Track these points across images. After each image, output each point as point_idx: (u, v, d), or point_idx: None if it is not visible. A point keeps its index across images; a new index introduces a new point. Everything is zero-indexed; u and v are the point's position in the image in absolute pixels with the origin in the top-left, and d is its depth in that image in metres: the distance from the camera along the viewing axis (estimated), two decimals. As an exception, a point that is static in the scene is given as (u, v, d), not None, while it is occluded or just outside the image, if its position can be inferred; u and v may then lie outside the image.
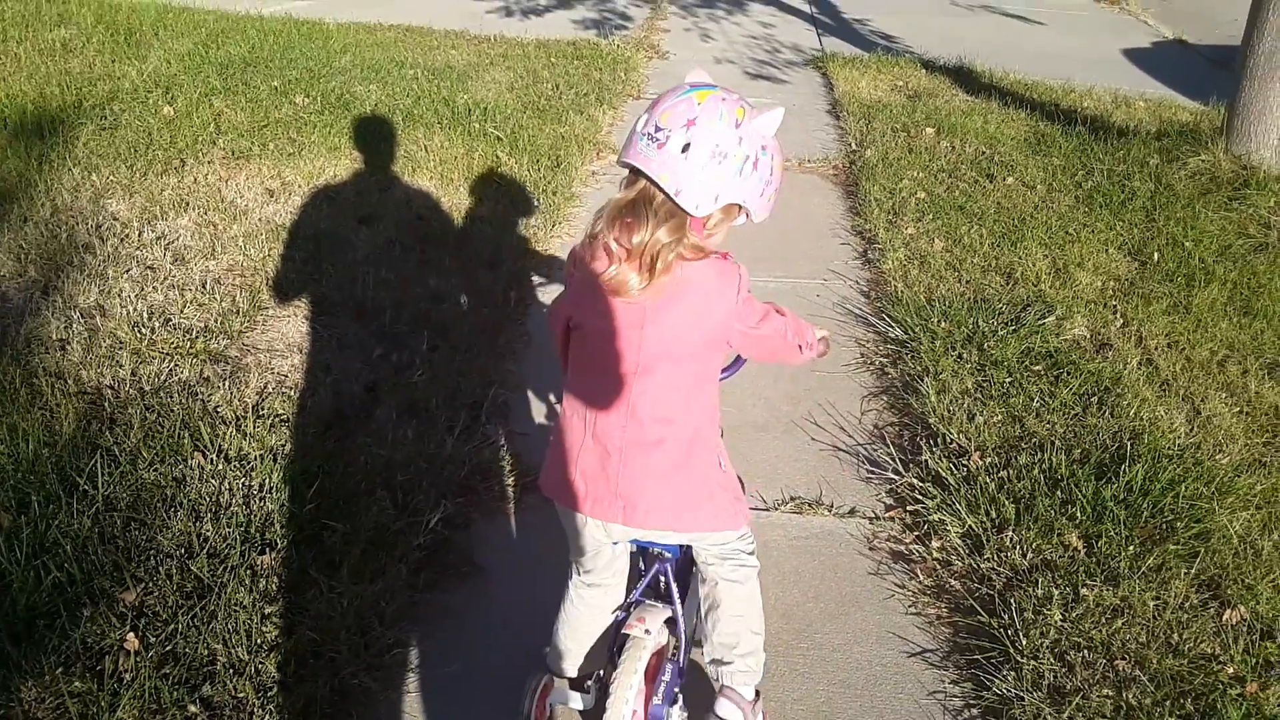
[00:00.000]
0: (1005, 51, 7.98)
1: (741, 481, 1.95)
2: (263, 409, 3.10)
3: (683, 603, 2.00)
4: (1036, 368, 3.50)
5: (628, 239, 1.62)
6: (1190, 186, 4.94)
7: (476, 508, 2.84)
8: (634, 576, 2.06)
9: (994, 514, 2.75)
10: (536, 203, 4.84)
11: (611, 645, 1.95)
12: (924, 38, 8.52)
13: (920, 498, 2.88)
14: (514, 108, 6.19)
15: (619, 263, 1.64)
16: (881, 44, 8.45)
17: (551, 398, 3.43)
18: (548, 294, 4.10)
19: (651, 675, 1.94)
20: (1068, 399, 3.29)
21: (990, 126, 5.97)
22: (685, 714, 2.04)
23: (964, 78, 7.22)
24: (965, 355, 3.56)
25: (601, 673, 1.97)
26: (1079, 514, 2.73)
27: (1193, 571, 2.55)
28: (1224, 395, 3.41)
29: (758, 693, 2.06)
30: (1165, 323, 3.87)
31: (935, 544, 2.72)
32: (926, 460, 3.02)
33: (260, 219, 4.39)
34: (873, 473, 3.08)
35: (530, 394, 3.44)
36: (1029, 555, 2.61)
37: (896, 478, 3.00)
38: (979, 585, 2.58)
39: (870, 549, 2.78)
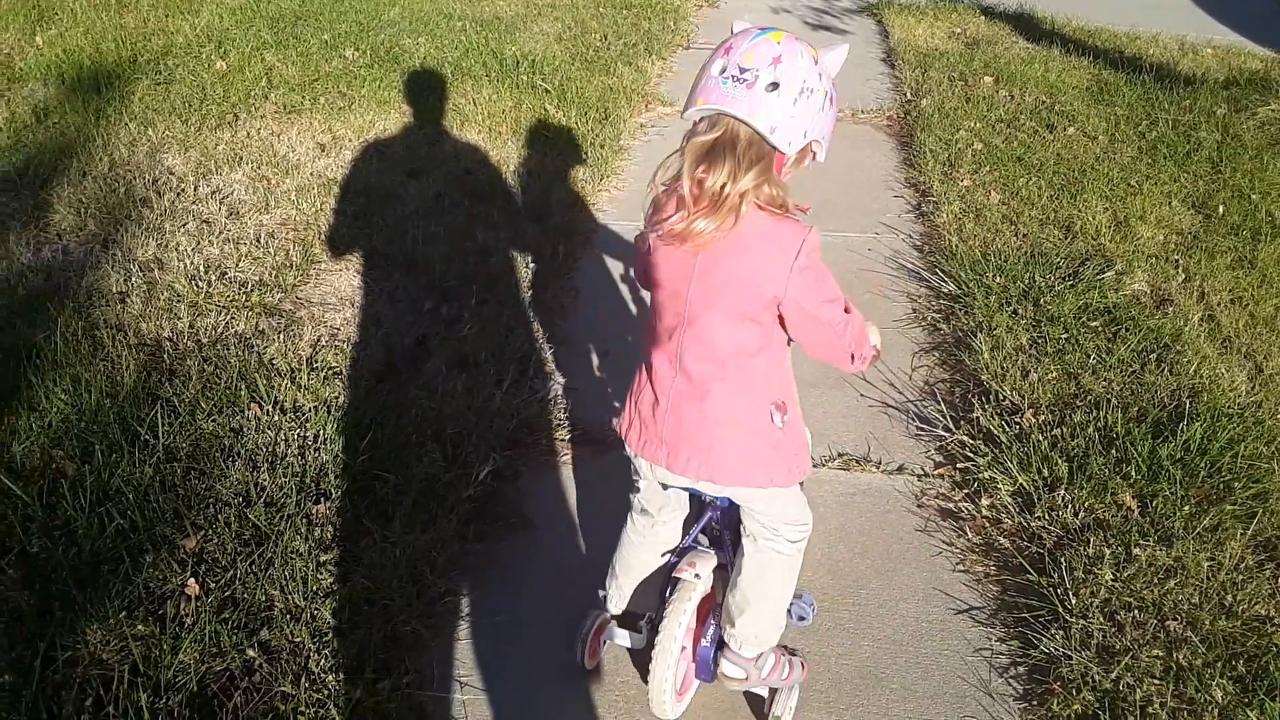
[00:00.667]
0: (1068, -3, 7.71)
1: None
2: (316, 361, 3.15)
3: (734, 550, 2.04)
4: (1094, 324, 3.42)
5: (705, 182, 1.61)
6: (1259, 137, 4.76)
7: (524, 461, 2.87)
8: (692, 523, 2.10)
9: (1046, 472, 2.72)
10: (585, 156, 4.81)
11: (663, 588, 2.00)
12: (983, -17, 8.24)
13: (971, 455, 2.85)
14: (562, 59, 6.13)
15: (688, 208, 1.63)
16: (939, -11, 8.19)
17: (597, 353, 3.44)
18: (596, 248, 4.09)
19: (702, 618, 2.01)
20: (1125, 356, 3.22)
21: (1051, 75, 5.78)
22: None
23: (1024, 24, 6.99)
24: (1020, 311, 3.49)
25: (653, 614, 2.01)
26: (1134, 473, 2.68)
27: (1249, 532, 2.49)
28: (1289, 353, 3.31)
29: (789, 651, 2.12)
30: (1229, 278, 3.75)
31: (985, 502, 2.70)
32: (978, 417, 2.98)
33: (312, 173, 4.43)
34: (922, 430, 3.05)
35: (577, 349, 3.45)
36: (1081, 514, 2.58)
37: (947, 435, 2.97)
38: (1029, 544, 2.55)
39: (918, 506, 2.76)
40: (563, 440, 2.97)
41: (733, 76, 1.58)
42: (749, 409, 1.79)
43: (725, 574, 2.04)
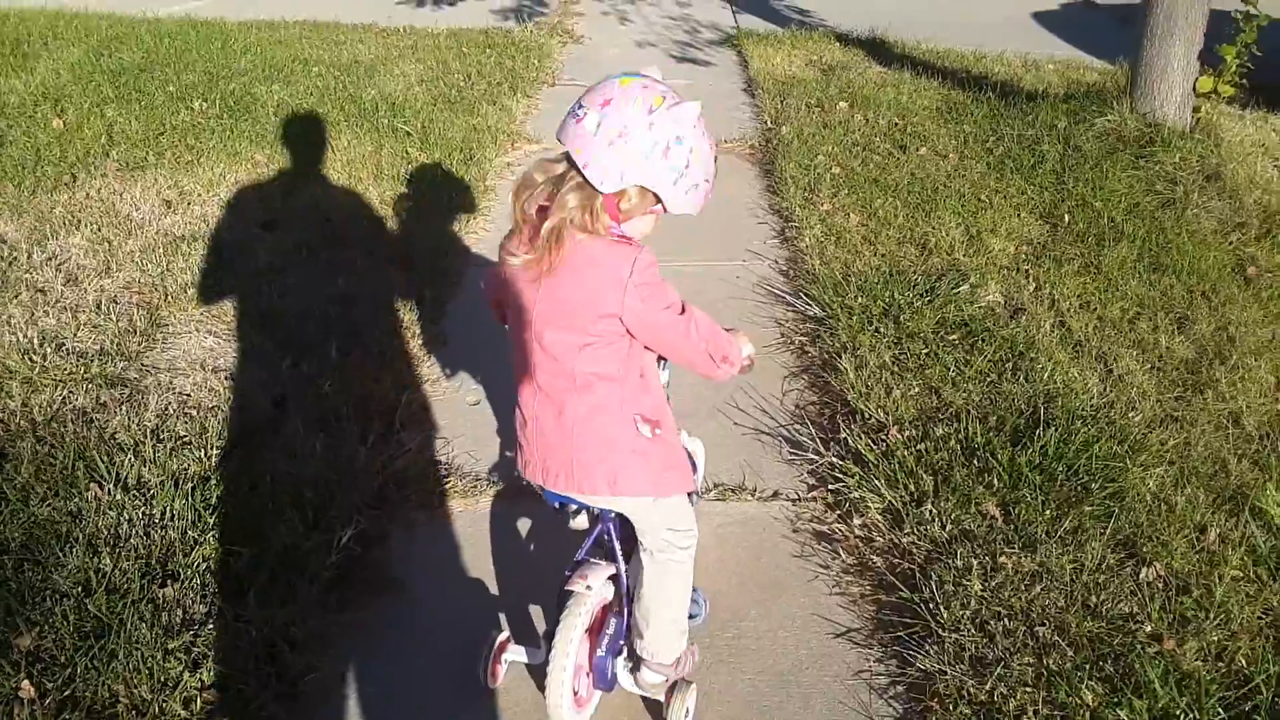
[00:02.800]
0: (918, 20, 8.02)
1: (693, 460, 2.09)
2: (163, 432, 2.97)
3: (627, 560, 2.10)
4: (952, 337, 3.51)
5: (539, 208, 1.75)
6: (1098, 147, 5.01)
7: (393, 519, 2.76)
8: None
9: (912, 488, 2.75)
10: (450, 198, 4.74)
11: (557, 601, 2.03)
12: (838, 12, 8.52)
13: (841, 476, 2.87)
14: (424, 101, 6.06)
15: (525, 231, 1.77)
16: (796, 19, 8.45)
17: (469, 398, 3.36)
18: (462, 292, 4.01)
19: (596, 629, 2.08)
20: (983, 366, 3.31)
21: (903, 97, 5.99)
22: (630, 665, 2.14)
23: (877, 49, 7.24)
24: (882, 329, 3.56)
25: (547, 629, 2.04)
26: (996, 482, 2.74)
27: (1108, 532, 2.57)
28: (1136, 353, 3.46)
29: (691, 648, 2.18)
30: (1077, 284, 3.91)
31: (857, 522, 2.72)
32: (846, 438, 3.01)
33: (157, 232, 4.23)
34: (795, 454, 3.07)
35: (446, 397, 3.36)
36: (948, 526, 2.62)
37: (817, 458, 2.99)
38: (900, 560, 2.57)
39: (794, 531, 2.76)
40: (432, 494, 2.87)
41: (571, 111, 1.71)
42: (609, 420, 1.86)
43: (618, 584, 2.10)
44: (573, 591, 1.99)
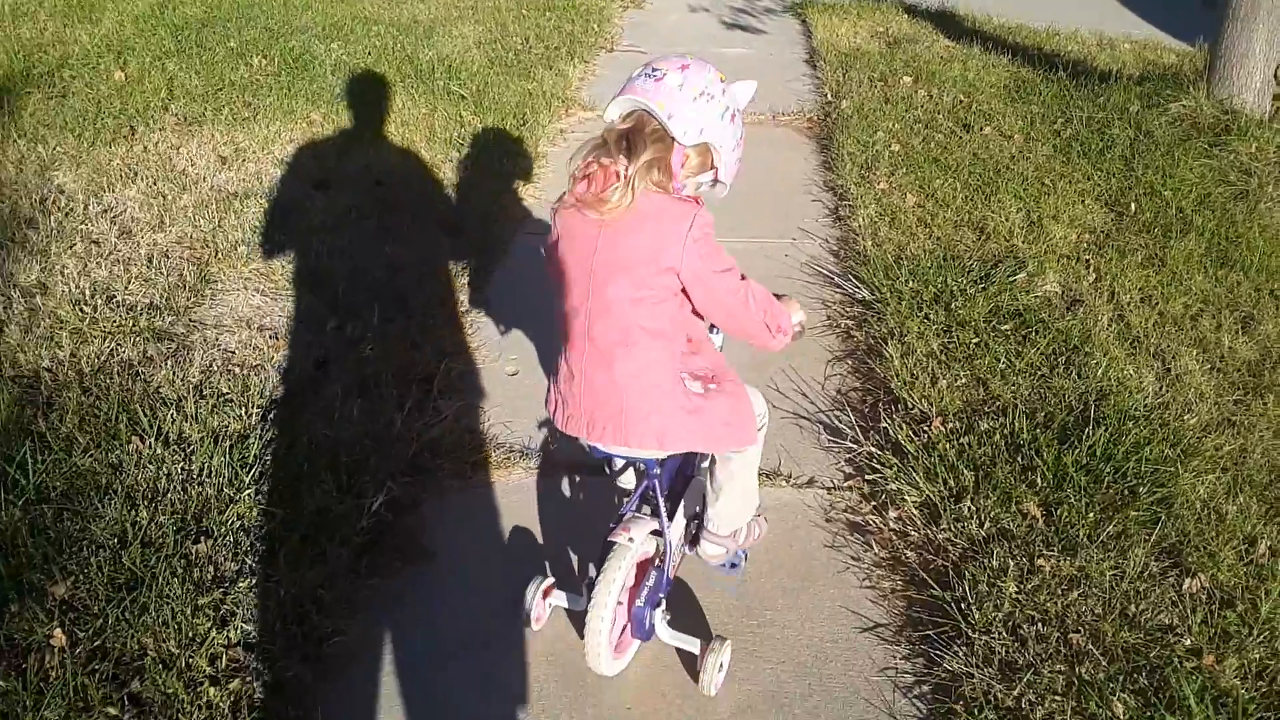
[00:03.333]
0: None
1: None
2: (206, 388, 3.01)
3: (670, 517, 2.20)
4: (1004, 327, 3.41)
5: (614, 161, 1.82)
6: (1171, 133, 4.81)
7: (425, 488, 2.77)
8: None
9: (952, 482, 2.69)
10: (502, 163, 4.71)
11: (601, 552, 2.10)
12: (907, -20, 8.28)
13: (879, 466, 2.81)
14: (481, 64, 6.02)
15: (598, 181, 1.84)
16: (863, -12, 8.21)
17: (508, 368, 3.35)
18: (509, 259, 3.99)
19: (637, 580, 2.16)
20: (1034, 359, 3.21)
21: (970, 73, 5.81)
22: (668, 617, 2.21)
23: (946, 22, 7.03)
24: (932, 316, 3.47)
25: (592, 577, 2.11)
26: (1039, 481, 2.66)
27: (1153, 539, 2.48)
28: (1196, 351, 3.33)
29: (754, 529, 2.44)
30: (1139, 276, 3.77)
31: (892, 514, 2.66)
32: (886, 428, 2.95)
33: (212, 187, 4.27)
34: (833, 441, 3.01)
35: (486, 365, 3.35)
36: (986, 525, 2.55)
37: (856, 447, 2.93)
38: (934, 556, 2.52)
39: (827, 520, 2.71)
40: (466, 463, 2.88)
41: (645, 74, 1.84)
42: (659, 375, 1.92)
43: (660, 539, 2.18)
44: (615, 543, 2.06)
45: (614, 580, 2.02)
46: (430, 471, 2.82)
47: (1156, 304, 3.61)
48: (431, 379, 3.18)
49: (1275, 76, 4.74)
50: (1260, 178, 4.40)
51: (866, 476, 2.81)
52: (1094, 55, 6.36)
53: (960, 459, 2.76)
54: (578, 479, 2.85)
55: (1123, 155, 4.71)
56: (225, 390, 3.03)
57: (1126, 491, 2.63)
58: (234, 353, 3.27)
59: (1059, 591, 2.36)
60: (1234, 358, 3.31)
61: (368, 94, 5.40)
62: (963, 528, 2.55)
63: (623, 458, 2.10)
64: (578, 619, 2.22)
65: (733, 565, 2.47)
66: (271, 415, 2.94)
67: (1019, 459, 2.75)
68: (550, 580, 2.28)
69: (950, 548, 2.52)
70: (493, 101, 5.43)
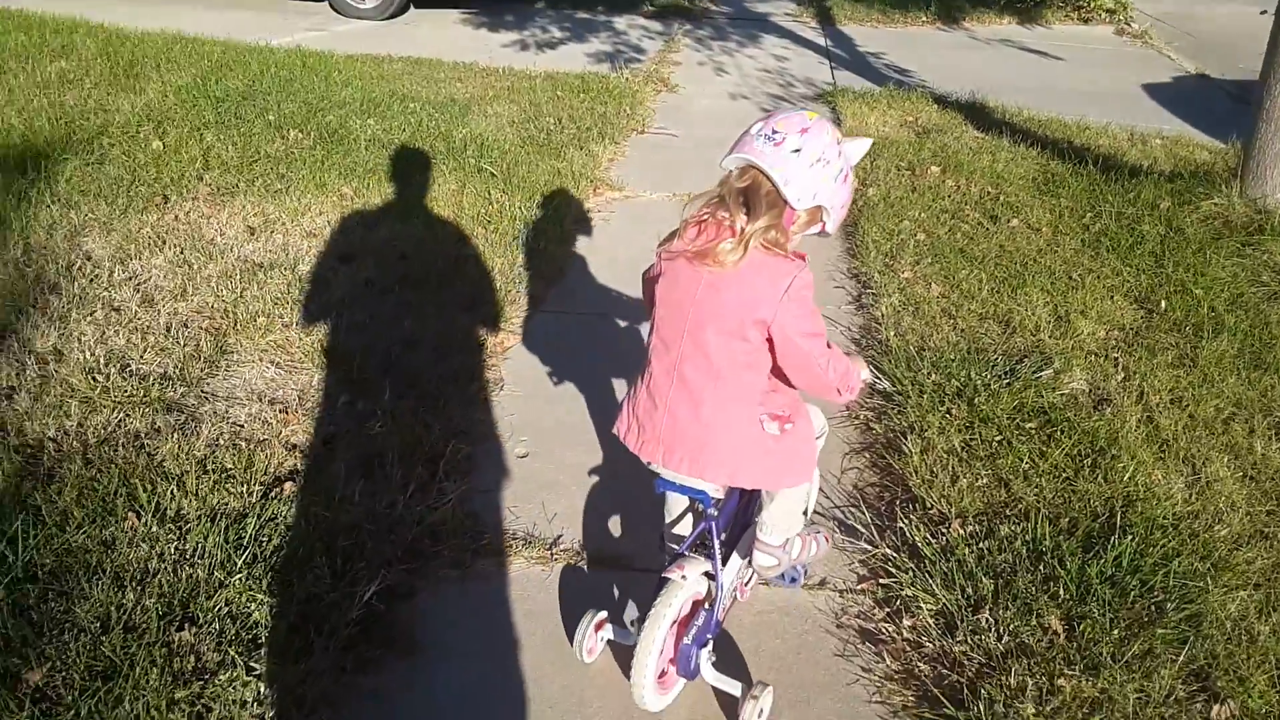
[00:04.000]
0: (1022, 87, 7.82)
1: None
2: (211, 463, 2.98)
3: (724, 561, 2.26)
4: (1029, 425, 3.31)
5: (730, 217, 1.92)
6: (1202, 231, 4.74)
7: (423, 576, 2.69)
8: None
9: (970, 591, 2.57)
10: (527, 241, 4.73)
11: (655, 588, 2.15)
12: (939, 73, 8.37)
13: (894, 570, 2.70)
14: (513, 142, 6.10)
15: (709, 232, 1.95)
16: (895, 78, 8.30)
17: (518, 450, 3.30)
18: (527, 339, 3.97)
19: (686, 619, 2.21)
20: (1059, 461, 3.10)
21: (998, 165, 5.79)
22: (714, 658, 2.27)
23: (976, 114, 7.06)
24: (954, 411, 3.38)
25: (642, 613, 2.14)
26: (1061, 592, 2.54)
27: (1180, 660, 2.34)
28: (1228, 458, 3.20)
29: (813, 530, 2.53)
30: (1169, 376, 3.66)
31: (906, 622, 2.54)
32: (903, 528, 2.84)
33: (238, 257, 4.31)
34: (848, 540, 2.90)
35: (496, 447, 3.30)
36: (1004, 638, 2.42)
37: (870, 548, 2.82)
38: (949, 671, 2.39)
39: (838, 626, 2.60)
40: (467, 550, 2.80)
41: (765, 136, 1.91)
42: (740, 416, 2.03)
43: (712, 581, 2.22)
44: (668, 579, 2.12)
45: (665, 615, 2.07)
46: (429, 557, 2.75)
47: (1187, 406, 3.50)
48: (438, 459, 3.13)
49: (1310, 177, 4.67)
50: (1295, 279, 4.30)
51: (881, 580, 2.70)
52: (1125, 150, 6.33)
53: (979, 565, 2.64)
54: (584, 569, 2.76)
55: (1153, 252, 4.64)
56: (229, 466, 2.99)
57: (1153, 607, 2.50)
58: (242, 426, 3.25)
59: (1080, 715, 2.22)
60: (1267, 465, 3.18)
61: (399, 169, 5.48)
62: (980, 640, 2.42)
63: (686, 493, 2.17)
64: (626, 653, 2.22)
65: (791, 580, 2.63)
66: (273, 493, 2.89)
67: (1041, 567, 2.63)
68: (603, 614, 2.34)
69: (966, 662, 2.39)
70: (522, 179, 5.48)
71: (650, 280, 2.12)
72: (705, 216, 1.98)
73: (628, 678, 2.14)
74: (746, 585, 2.58)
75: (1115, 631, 2.42)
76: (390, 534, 2.77)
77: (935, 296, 4.23)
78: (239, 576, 2.51)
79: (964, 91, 7.53)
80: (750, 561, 2.42)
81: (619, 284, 4.46)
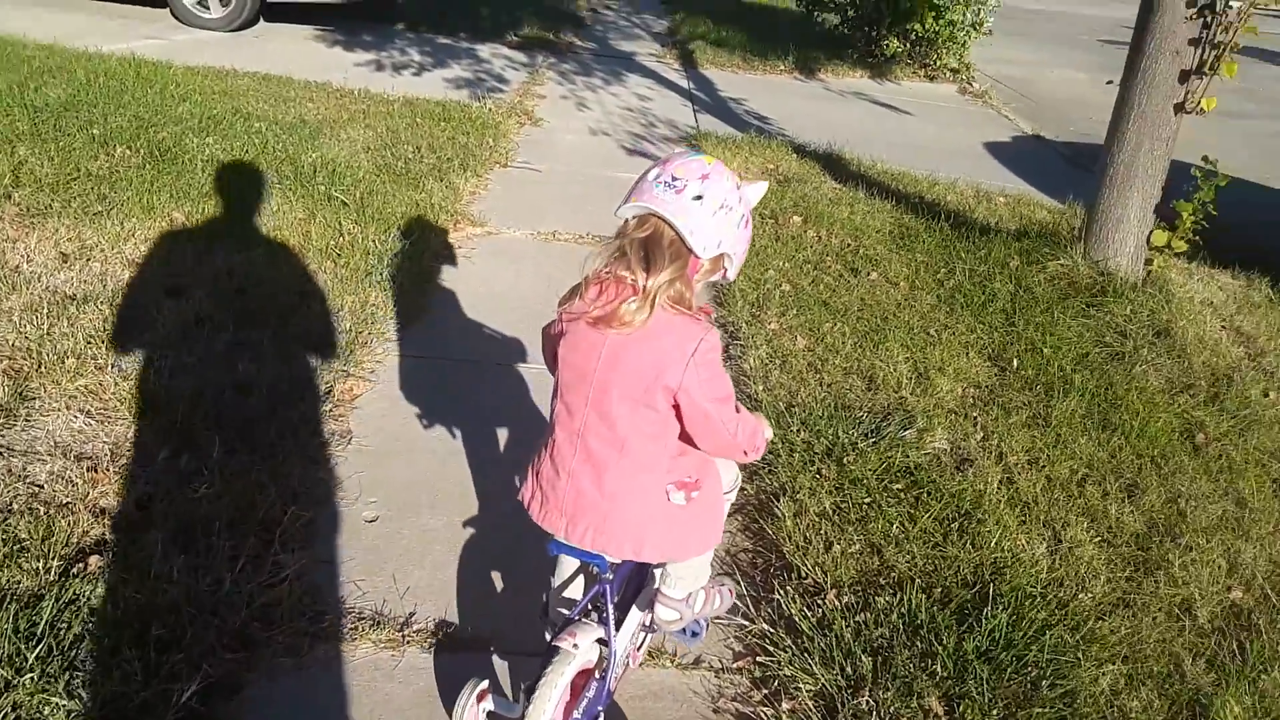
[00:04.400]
0: (874, 139, 8.05)
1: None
2: (2, 533, 2.57)
3: (618, 626, 2.11)
4: (896, 486, 3.28)
5: (631, 274, 1.81)
6: (1049, 290, 4.92)
7: (253, 666, 2.38)
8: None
9: (850, 670, 2.47)
10: (380, 277, 4.43)
11: (543, 657, 2.02)
12: (796, 122, 8.52)
13: (770, 648, 2.57)
14: (368, 170, 5.78)
15: (610, 291, 1.84)
16: (755, 125, 8.41)
17: (366, 513, 3.01)
18: (378, 387, 3.68)
19: (577, 690, 2.09)
20: (928, 525, 3.07)
21: (856, 217, 5.89)
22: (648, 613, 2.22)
23: (833, 164, 7.20)
24: (824, 471, 3.31)
25: (529, 683, 2.00)
26: (940, 669, 2.47)
27: (1060, 746, 2.31)
28: (1085, 521, 3.26)
29: (717, 582, 2.48)
30: (1025, 436, 3.73)
31: (785, 706, 2.42)
32: (779, 600, 2.73)
33: (46, 288, 3.84)
34: (723, 615, 2.76)
35: (341, 510, 3.01)
36: (885, 722, 2.33)
37: (746, 623, 2.69)
38: (830, 761, 2.27)
39: (715, 711, 2.44)
40: (305, 635, 2.50)
41: (665, 183, 1.83)
42: (645, 488, 1.95)
43: (605, 648, 2.08)
44: (559, 649, 2.00)
45: (556, 687, 1.95)
46: (261, 644, 2.44)
47: (1044, 466, 3.56)
48: (274, 526, 2.82)
49: (1147, 241, 4.92)
50: (1135, 340, 4.50)
51: (758, 659, 2.57)
52: (972, 207, 6.57)
53: (857, 641, 2.55)
54: (437, 653, 2.51)
55: (1004, 309, 4.78)
56: (24, 536, 2.59)
57: (1029, 684, 2.46)
58: (42, 487, 2.84)
59: (964, 808, 2.14)
60: (1121, 529, 3.25)
61: (240, 194, 5.08)
62: (861, 727, 2.32)
63: (582, 557, 2.05)
64: None
65: (693, 634, 2.53)
66: (75, 570, 2.51)
67: (918, 642, 2.57)
68: (485, 683, 2.09)
69: (847, 750, 2.28)
70: (377, 210, 5.17)
71: (552, 338, 2.02)
72: (606, 276, 1.87)
73: None
74: (639, 650, 2.45)
75: (994, 712, 2.36)
76: (215, 618, 2.45)
77: (801, 350, 4.20)
78: (29, 676, 2.14)
79: (821, 142, 7.67)
80: (647, 622, 2.34)
81: (481, 326, 4.23)
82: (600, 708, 2.13)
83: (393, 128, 6.72)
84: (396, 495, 3.11)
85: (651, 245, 1.82)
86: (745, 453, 2.03)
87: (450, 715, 2.09)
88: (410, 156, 6.21)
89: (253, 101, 6.76)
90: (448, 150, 6.46)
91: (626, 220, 1.89)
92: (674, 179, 1.83)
